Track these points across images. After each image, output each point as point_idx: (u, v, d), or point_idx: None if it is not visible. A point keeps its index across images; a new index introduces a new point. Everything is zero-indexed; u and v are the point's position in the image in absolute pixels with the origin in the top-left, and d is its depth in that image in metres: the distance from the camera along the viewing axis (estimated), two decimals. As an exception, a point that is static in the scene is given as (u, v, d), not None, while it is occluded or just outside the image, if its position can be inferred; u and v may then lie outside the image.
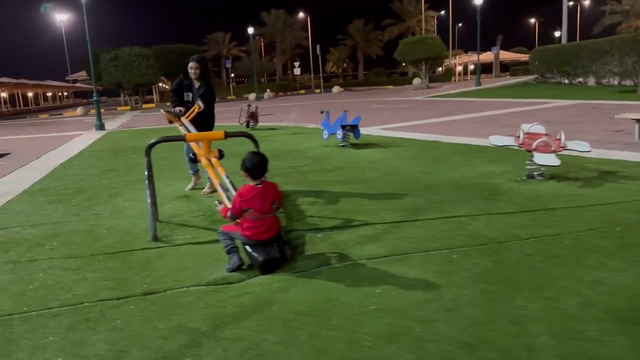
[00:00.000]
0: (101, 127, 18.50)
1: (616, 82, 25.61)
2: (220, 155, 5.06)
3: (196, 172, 6.84)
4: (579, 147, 6.14)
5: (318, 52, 43.25)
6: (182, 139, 4.95)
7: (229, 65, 48.67)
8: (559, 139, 6.17)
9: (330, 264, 3.79)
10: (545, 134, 6.40)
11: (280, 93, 53.12)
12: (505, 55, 61.44)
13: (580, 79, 27.69)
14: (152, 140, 4.93)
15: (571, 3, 52.72)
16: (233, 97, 50.58)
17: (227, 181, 4.64)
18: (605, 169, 6.64)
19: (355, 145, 9.96)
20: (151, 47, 36.50)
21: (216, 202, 4.26)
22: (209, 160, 4.99)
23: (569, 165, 6.83)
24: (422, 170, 7.20)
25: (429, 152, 8.85)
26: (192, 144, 5.63)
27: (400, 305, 3.04)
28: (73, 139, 15.40)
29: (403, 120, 15.24)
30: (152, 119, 24.13)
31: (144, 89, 37.34)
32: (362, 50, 76.40)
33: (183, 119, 6.23)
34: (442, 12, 68.57)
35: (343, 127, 9.86)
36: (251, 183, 3.74)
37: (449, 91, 29.60)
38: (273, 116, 20.57)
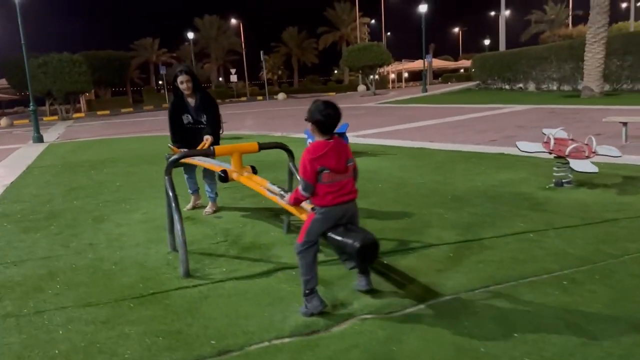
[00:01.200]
0: (39, 139, 16.82)
1: (555, 88, 26.70)
2: (254, 171, 4.34)
3: (196, 191, 6.01)
4: (609, 152, 5.92)
5: (262, 57, 42.40)
6: (209, 152, 4.18)
7: (163, 71, 46.55)
8: (588, 144, 5.92)
9: (425, 300, 3.20)
10: (571, 139, 6.14)
11: (219, 100, 51.68)
12: (436, 63, 63.17)
13: (521, 85, 28.68)
14: (175, 156, 4.15)
15: (493, 13, 55.05)
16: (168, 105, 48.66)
17: (275, 187, 3.92)
18: (623, 173, 6.48)
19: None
20: (76, 53, 34.21)
21: (280, 192, 3.57)
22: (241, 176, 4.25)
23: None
24: (435, 180, 6.76)
25: (425, 160, 8.45)
26: (203, 162, 4.86)
27: (558, 353, 2.51)
28: (11, 153, 13.79)
29: (370, 127, 14.86)
30: (91, 130, 22.45)
31: (75, 97, 34.92)
32: (296, 58, 76.18)
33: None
34: (373, 21, 69.82)
35: (330, 135, 9.29)
36: (317, 138, 3.05)
37: (396, 98, 29.74)
38: (227, 124, 19.58)
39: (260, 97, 50.73)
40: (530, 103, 19.75)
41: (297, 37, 75.22)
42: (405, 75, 60.43)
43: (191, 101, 5.56)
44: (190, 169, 5.85)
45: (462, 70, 59.12)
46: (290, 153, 4.48)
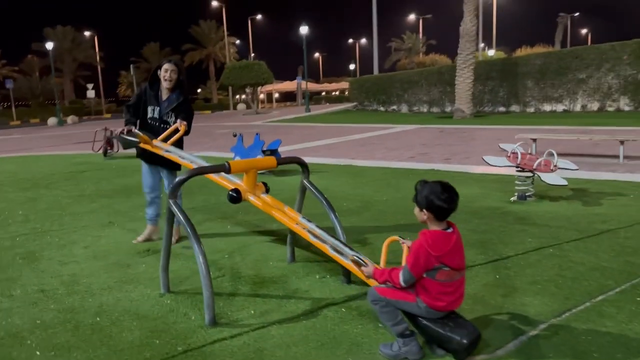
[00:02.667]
0: None
1: (425, 110, 28.61)
2: (267, 189, 3.71)
3: (156, 219, 5.05)
4: (567, 165, 6.18)
5: (132, 72, 39.63)
6: (224, 169, 3.46)
7: (10, 85, 41.41)
8: (548, 159, 6.13)
9: (523, 332, 2.86)
10: (530, 154, 6.33)
11: (85, 117, 47.71)
12: (303, 85, 64.71)
13: (395, 107, 30.30)
14: (182, 176, 3.36)
15: (351, 40, 58.10)
16: (17, 122, 43.39)
17: (312, 225, 3.35)
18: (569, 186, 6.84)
19: (274, 173, 8.83)
20: None
21: (355, 256, 2.94)
22: (255, 196, 3.59)
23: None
24: (396, 197, 6.55)
25: (365, 177, 8.25)
26: (214, 176, 4.08)
27: None
28: None
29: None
30: None
31: None
32: (159, 75, 72.92)
33: (158, 142, 4.57)
34: (238, 42, 69.64)
35: (263, 152, 8.70)
36: (434, 227, 2.58)
37: (282, 117, 29.53)
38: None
39: (107, 115, 48.00)
40: (414, 123, 20.80)
41: (159, 53, 72.09)
42: (276, 95, 60.85)
43: (165, 96, 4.74)
44: (154, 173, 4.93)
45: (335, 92, 61.03)
46: (306, 168, 3.91)
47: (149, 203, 5.00)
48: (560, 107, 24.16)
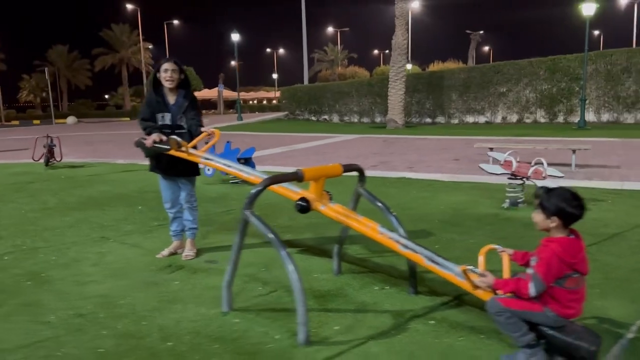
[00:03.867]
0: None
1: (356, 120, 29.18)
2: (330, 198, 3.57)
3: (181, 234, 4.72)
4: (555, 173, 6.51)
5: (47, 76, 36.85)
6: (297, 177, 3.28)
7: None
8: (537, 167, 6.44)
9: (620, 335, 2.95)
10: (519, 161, 6.62)
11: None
12: (226, 94, 63.68)
13: (326, 116, 30.63)
14: (258, 187, 3.15)
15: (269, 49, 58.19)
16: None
17: (395, 235, 3.25)
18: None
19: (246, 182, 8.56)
20: None
21: (468, 268, 2.84)
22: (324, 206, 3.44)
23: (500, 190, 7.19)
24: (392, 205, 6.57)
25: (345, 186, 8.20)
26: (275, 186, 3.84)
27: None
28: None
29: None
30: None
31: None
32: (65, 79, 68.63)
33: (192, 150, 4.27)
34: (151, 47, 67.28)
35: (238, 160, 8.40)
36: (558, 234, 2.57)
37: (213, 125, 28.75)
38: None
39: (36, 121, 44.18)
40: (352, 133, 21.12)
41: (66, 57, 67.90)
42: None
43: (172, 99, 4.41)
44: (173, 187, 4.60)
45: (253, 101, 60.42)
46: (363, 175, 3.81)
47: (172, 219, 4.65)
48: (482, 119, 25.62)
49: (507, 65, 25.12)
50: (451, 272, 2.95)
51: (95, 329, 3.16)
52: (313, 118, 31.39)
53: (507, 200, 6.43)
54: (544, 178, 6.24)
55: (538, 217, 2.62)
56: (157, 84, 4.42)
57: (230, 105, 64.54)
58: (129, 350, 2.88)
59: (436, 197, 7.07)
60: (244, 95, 65.64)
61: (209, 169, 8.63)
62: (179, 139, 4.17)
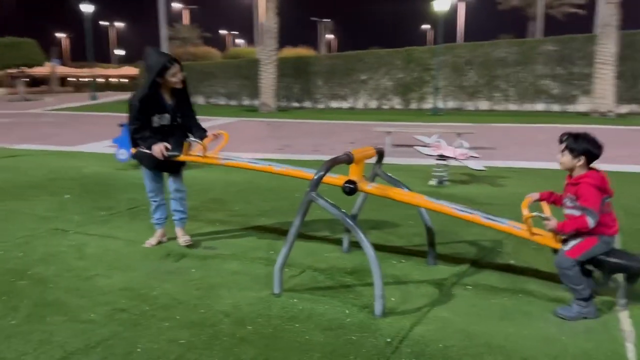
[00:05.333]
0: None
1: (223, 102, 28.72)
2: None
3: (165, 222, 4.47)
4: (474, 154, 7.35)
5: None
6: (349, 159, 3.41)
7: None
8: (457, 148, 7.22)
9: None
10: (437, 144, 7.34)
11: None
12: (64, 70, 57.63)
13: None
14: (321, 172, 3.23)
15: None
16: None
17: (445, 202, 3.53)
18: (462, 172, 8.11)
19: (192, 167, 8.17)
20: None
21: (537, 214, 3.14)
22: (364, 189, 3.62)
23: (420, 170, 7.93)
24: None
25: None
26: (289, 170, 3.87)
27: None
28: None
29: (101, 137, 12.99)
30: None
31: None
32: None
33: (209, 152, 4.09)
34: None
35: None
36: (581, 171, 3.08)
37: (62, 105, 25.99)
38: None
39: None
40: (227, 116, 20.84)
41: None
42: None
43: (169, 98, 4.15)
44: (158, 178, 4.35)
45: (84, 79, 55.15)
46: (382, 156, 4.02)
47: (156, 207, 4.40)
48: (345, 105, 27.02)
49: (368, 54, 26.75)
50: (507, 225, 3.33)
51: (153, 322, 2.98)
52: (176, 100, 30.16)
53: (435, 179, 7.13)
54: (468, 158, 7.03)
55: (565, 158, 3.10)
56: (155, 88, 4.08)
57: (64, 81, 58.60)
58: (211, 338, 2.80)
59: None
60: (77, 72, 59.89)
61: (122, 154, 8.06)
62: (194, 140, 3.99)
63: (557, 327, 2.94)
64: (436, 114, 21.95)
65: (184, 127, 4.27)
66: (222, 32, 74.02)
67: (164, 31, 30.30)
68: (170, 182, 4.39)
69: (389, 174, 4.01)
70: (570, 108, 23.61)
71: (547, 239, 3.20)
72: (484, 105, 24.95)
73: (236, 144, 11.90)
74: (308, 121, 18.53)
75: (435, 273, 3.77)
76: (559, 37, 23.94)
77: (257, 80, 24.34)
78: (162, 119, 4.12)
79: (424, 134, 7.98)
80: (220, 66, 28.73)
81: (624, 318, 3.05)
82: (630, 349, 2.70)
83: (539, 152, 10.47)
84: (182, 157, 4.07)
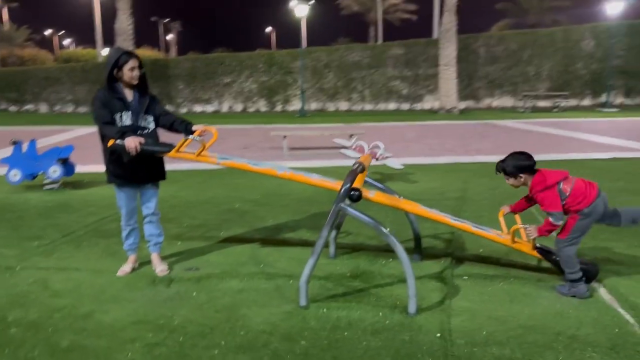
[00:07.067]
0: None
1: (70, 110, 26.28)
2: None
3: (136, 248, 4.12)
4: (390, 154, 7.85)
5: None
6: (363, 169, 3.54)
7: None
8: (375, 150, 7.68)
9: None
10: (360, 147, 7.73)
11: None
12: None
13: (31, 106, 26.50)
14: (347, 183, 3.35)
15: None
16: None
17: (437, 211, 3.82)
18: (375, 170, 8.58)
19: (71, 185, 7.42)
20: None
21: (522, 226, 3.60)
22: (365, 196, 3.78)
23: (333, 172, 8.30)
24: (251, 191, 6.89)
25: (217, 177, 7.98)
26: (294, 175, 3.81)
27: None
28: None
29: None
30: None
31: None
32: None
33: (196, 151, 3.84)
34: None
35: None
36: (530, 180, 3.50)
37: None
38: None
39: None
40: (81, 124, 19.17)
41: None
42: None
43: (129, 95, 3.83)
44: (133, 197, 4.02)
45: None
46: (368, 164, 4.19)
47: (130, 232, 4.04)
48: (210, 108, 26.50)
49: (229, 57, 26.52)
50: (492, 234, 3.75)
51: (200, 351, 2.82)
52: (13, 108, 26.80)
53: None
54: (385, 159, 7.52)
55: (511, 181, 3.57)
56: (113, 81, 3.78)
57: None
58: (275, 357, 2.76)
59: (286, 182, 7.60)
60: None
61: (15, 175, 7.11)
62: (196, 138, 3.75)
63: (560, 304, 3.39)
64: (304, 115, 22.58)
65: (167, 126, 3.99)
66: (48, 32, 67.25)
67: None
68: (148, 200, 4.07)
69: (372, 180, 4.21)
70: (419, 106, 26.01)
71: (525, 246, 3.70)
72: (343, 105, 26.31)
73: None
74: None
75: (427, 268, 4.06)
76: (404, 42, 26.17)
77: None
78: (123, 119, 3.77)
79: (334, 137, 8.30)
80: (65, 70, 26.17)
81: (604, 291, 3.63)
82: (623, 312, 3.26)
83: (420, 148, 11.46)
84: (173, 154, 3.78)
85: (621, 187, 6.89)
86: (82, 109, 25.93)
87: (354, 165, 3.59)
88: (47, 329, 3.09)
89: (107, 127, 3.71)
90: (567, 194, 3.42)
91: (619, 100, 25.14)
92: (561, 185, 3.42)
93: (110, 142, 3.67)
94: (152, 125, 3.95)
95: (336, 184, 3.72)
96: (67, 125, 18.83)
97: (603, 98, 24.34)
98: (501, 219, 3.92)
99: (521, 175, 3.50)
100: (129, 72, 3.74)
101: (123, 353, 2.81)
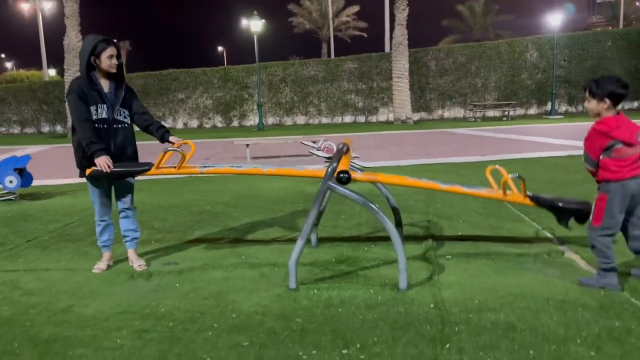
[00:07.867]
0: None
1: (17, 130, 25.26)
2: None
3: (111, 244, 3.97)
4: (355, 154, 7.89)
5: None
6: (347, 150, 3.54)
7: None
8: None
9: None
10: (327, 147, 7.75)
11: None
12: None
13: (-27, 128, 25.31)
14: (334, 163, 3.34)
15: None
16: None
17: (426, 179, 3.86)
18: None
19: (29, 197, 7.09)
20: None
21: (513, 175, 3.60)
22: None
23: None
24: (219, 189, 6.79)
25: (209, 184, 7.76)
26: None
27: None
28: None
29: None
30: None
31: None
32: None
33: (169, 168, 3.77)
34: None
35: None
36: (608, 114, 3.11)
37: None
38: None
39: None
40: (32, 144, 18.48)
41: None
42: None
43: (106, 86, 3.70)
44: (108, 192, 3.87)
45: None
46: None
47: (104, 228, 3.89)
48: (164, 125, 25.98)
49: (182, 73, 26.19)
50: (484, 191, 3.82)
51: (194, 334, 2.72)
52: (-46, 131, 25.54)
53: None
54: (353, 158, 7.55)
55: (591, 104, 3.14)
56: (91, 70, 3.65)
57: None
58: (272, 334, 2.68)
59: (262, 184, 7.53)
60: None
61: (-34, 185, 6.74)
62: (176, 149, 3.68)
63: (544, 274, 3.47)
64: (262, 129, 22.51)
65: (143, 127, 3.90)
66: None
67: None
68: (123, 195, 3.94)
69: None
70: (374, 118, 26.40)
71: (517, 197, 3.75)
72: (300, 120, 26.40)
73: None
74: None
75: (410, 251, 4.04)
76: (357, 56, 26.60)
77: (56, 105, 22.05)
78: (99, 112, 3.65)
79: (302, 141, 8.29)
80: (10, 90, 25.20)
81: (577, 258, 3.75)
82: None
83: (383, 155, 11.60)
84: (153, 171, 3.70)
85: (582, 179, 7.16)
86: (30, 130, 24.99)
87: (338, 145, 3.59)
88: (23, 324, 2.92)
89: (84, 128, 3.57)
90: (613, 155, 3.05)
91: (563, 108, 26.30)
92: (619, 145, 3.04)
93: (88, 172, 3.60)
94: (128, 120, 3.84)
95: (321, 172, 3.70)
96: (16, 145, 18.05)
97: (548, 106, 25.38)
98: (489, 176, 3.97)
99: (606, 100, 3.07)
100: (107, 59, 3.62)
101: (111, 340, 2.68)
